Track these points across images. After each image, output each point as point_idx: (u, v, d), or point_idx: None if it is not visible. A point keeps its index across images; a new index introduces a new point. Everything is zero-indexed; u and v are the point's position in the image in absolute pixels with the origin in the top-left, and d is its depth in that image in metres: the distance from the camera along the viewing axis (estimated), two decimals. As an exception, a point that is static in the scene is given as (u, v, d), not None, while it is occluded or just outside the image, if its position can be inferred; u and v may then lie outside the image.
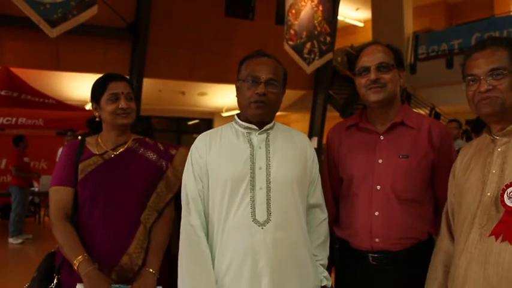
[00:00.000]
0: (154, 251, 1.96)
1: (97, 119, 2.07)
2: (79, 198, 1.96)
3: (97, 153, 2.01)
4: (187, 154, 1.91)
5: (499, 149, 1.57)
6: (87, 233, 1.92)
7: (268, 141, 1.82)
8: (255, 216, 1.72)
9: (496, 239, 1.46)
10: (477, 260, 1.49)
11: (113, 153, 2.03)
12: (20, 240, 7.55)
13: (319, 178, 1.96)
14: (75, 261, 1.81)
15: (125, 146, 2.06)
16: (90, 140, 2.07)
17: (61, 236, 1.88)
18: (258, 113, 1.79)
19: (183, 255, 1.77)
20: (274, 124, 1.88)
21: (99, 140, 2.06)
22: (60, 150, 7.42)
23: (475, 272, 1.49)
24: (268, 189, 1.75)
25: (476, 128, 5.70)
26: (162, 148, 2.13)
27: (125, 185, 1.97)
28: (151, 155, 2.08)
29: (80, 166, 1.97)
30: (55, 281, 1.92)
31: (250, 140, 1.82)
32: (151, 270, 1.91)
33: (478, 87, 1.56)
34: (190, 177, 1.82)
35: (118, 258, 1.90)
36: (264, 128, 1.83)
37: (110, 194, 1.95)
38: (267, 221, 1.72)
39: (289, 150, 1.85)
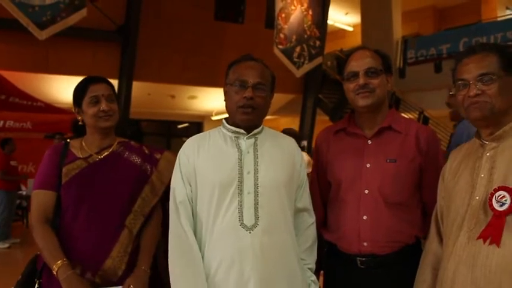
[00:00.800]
0: (146, 250, 1.98)
1: (80, 123, 2.05)
2: (62, 201, 1.94)
3: (81, 156, 1.99)
4: (172, 158, 1.90)
5: (487, 154, 1.58)
6: (70, 236, 1.90)
7: (256, 145, 1.82)
8: (242, 220, 1.71)
9: (484, 242, 1.47)
10: (465, 263, 1.50)
11: (98, 157, 2.01)
12: (6, 245, 7.47)
13: (307, 182, 1.95)
14: (54, 266, 1.80)
15: (110, 150, 2.04)
16: (74, 144, 2.04)
17: (41, 240, 1.87)
18: (245, 118, 1.78)
19: (175, 260, 1.75)
20: (262, 128, 1.87)
21: (83, 143, 2.04)
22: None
23: (463, 274, 1.50)
24: (256, 194, 1.74)
25: None
26: (147, 152, 2.12)
27: (109, 189, 1.96)
28: (136, 159, 2.07)
29: (64, 170, 1.95)
30: (36, 286, 1.90)
31: (239, 145, 1.81)
32: (143, 267, 1.93)
33: (468, 92, 1.57)
34: (179, 181, 1.81)
35: (101, 262, 1.89)
36: (252, 133, 1.82)
37: (94, 198, 1.93)
38: (254, 226, 1.71)
39: (277, 155, 1.84)
